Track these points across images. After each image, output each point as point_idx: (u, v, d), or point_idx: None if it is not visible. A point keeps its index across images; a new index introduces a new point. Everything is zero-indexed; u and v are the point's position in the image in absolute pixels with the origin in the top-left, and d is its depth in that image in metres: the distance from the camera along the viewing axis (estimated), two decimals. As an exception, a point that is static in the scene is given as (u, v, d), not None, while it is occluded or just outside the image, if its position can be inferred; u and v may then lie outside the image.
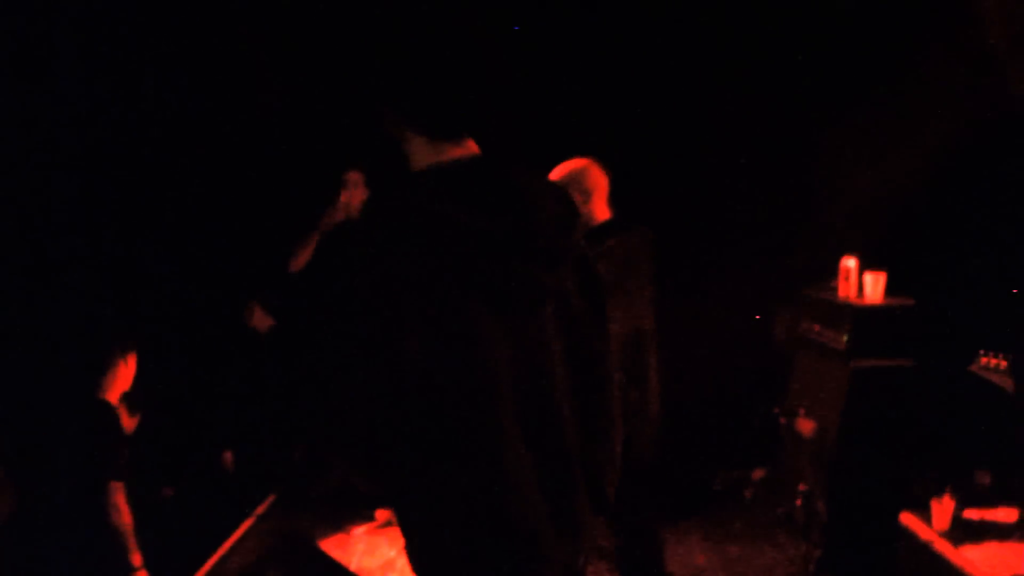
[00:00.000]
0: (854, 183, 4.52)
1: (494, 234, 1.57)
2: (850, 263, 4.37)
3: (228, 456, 5.07)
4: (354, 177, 5.23)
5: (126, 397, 3.89)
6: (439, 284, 1.52)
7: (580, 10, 4.98)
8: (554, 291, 1.67)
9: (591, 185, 3.36)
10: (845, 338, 4.23)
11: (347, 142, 5.37)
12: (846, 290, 4.38)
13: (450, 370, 1.52)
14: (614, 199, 3.44)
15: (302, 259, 4.98)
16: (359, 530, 4.69)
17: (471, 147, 1.70)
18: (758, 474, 5.06)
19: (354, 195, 5.28)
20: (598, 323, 1.82)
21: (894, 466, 4.11)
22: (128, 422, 3.86)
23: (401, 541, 1.65)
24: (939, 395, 4.11)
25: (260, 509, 4.80)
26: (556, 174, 3.41)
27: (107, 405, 3.77)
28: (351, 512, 4.63)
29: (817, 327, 4.51)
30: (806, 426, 4.35)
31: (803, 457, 4.38)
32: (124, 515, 3.55)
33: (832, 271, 4.68)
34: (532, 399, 1.62)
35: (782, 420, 4.42)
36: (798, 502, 4.15)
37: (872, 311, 4.25)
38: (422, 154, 1.68)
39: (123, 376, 3.85)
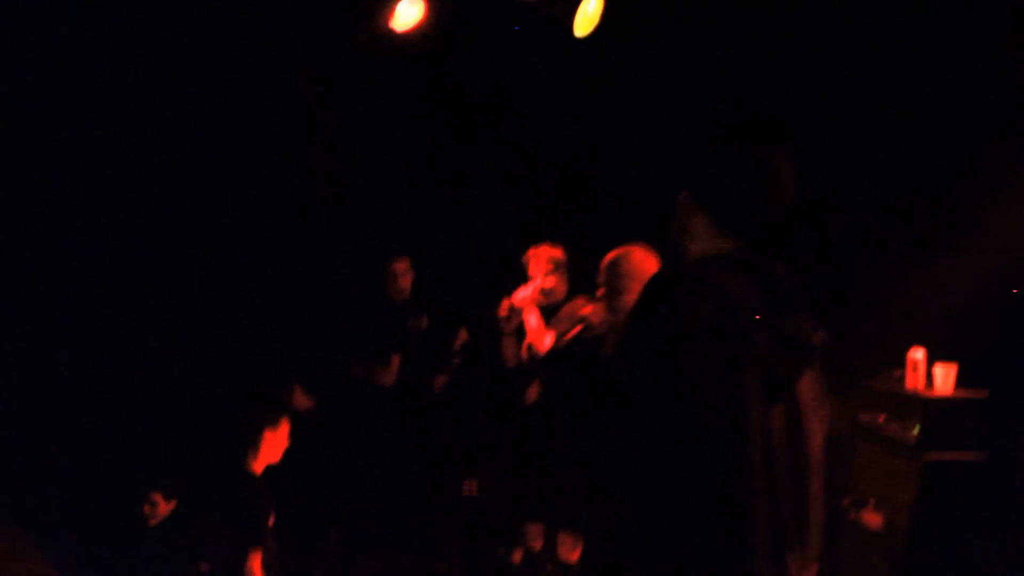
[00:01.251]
0: (926, 274, 4.51)
1: (768, 312, 1.88)
2: (918, 354, 4.34)
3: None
4: (402, 267, 5.32)
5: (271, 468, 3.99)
6: (723, 345, 1.84)
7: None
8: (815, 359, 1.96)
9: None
10: (916, 430, 4.18)
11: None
12: (914, 381, 4.34)
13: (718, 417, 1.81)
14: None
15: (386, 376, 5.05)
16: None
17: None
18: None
19: (405, 279, 5.34)
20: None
21: (968, 561, 4.01)
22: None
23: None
24: (1016, 488, 4.04)
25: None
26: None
27: (254, 477, 3.92)
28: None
29: (882, 418, 4.46)
30: (874, 519, 4.26)
31: (870, 552, 4.27)
32: None
33: (889, 362, 4.65)
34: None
35: (850, 515, 4.33)
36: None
37: (944, 403, 4.20)
38: (705, 236, 2.03)
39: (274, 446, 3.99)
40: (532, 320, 4.43)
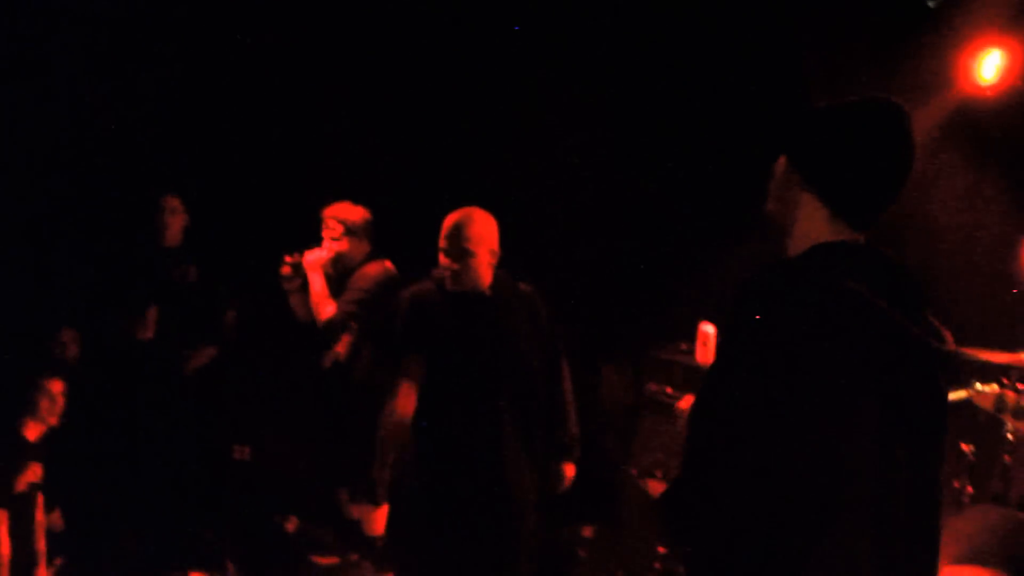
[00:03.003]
0: (724, 252, 4.59)
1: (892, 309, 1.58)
2: (709, 328, 4.41)
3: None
4: (172, 203, 4.76)
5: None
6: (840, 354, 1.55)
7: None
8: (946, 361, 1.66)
9: None
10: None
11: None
12: (704, 356, 4.41)
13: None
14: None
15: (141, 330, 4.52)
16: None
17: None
18: (588, 531, 4.98)
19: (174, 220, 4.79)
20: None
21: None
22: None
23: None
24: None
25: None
26: None
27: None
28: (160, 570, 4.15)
29: (669, 389, 4.51)
30: (659, 489, 4.31)
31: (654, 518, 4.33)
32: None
33: (674, 335, 4.74)
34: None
35: (640, 481, 4.36)
36: (657, 565, 4.08)
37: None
38: (815, 223, 1.68)
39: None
40: (316, 284, 4.13)
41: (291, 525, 4.52)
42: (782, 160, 1.73)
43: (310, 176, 4.96)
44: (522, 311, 3.42)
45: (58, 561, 4.03)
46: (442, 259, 3.30)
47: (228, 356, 4.75)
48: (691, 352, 4.52)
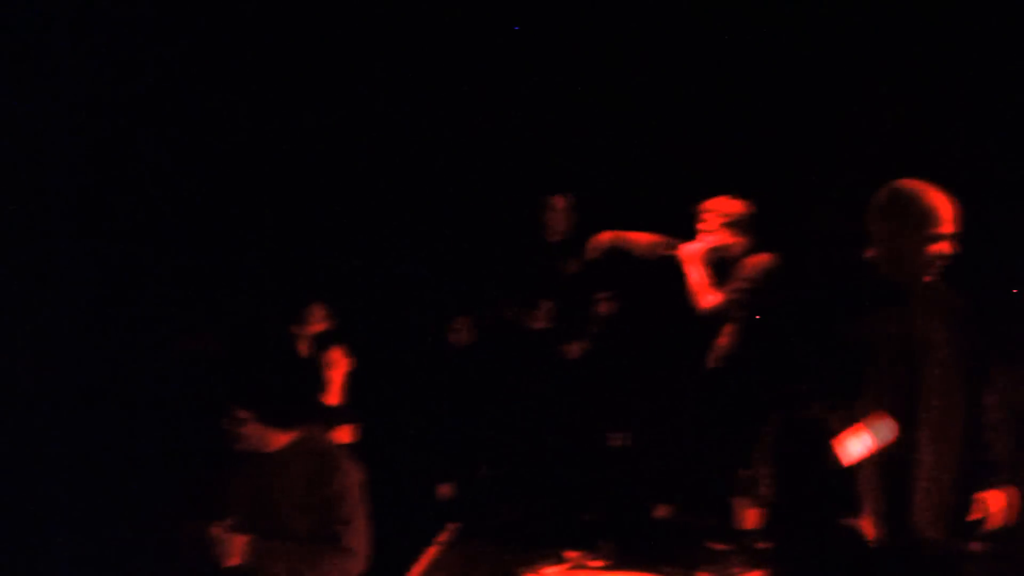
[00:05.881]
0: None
1: None
2: None
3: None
4: (562, 203, 5.02)
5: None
6: None
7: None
8: None
9: None
10: None
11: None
12: None
13: None
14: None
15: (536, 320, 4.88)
16: (550, 571, 4.36)
17: None
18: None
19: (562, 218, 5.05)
20: None
21: None
22: None
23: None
24: None
25: (442, 536, 4.49)
26: None
27: None
28: (534, 548, 4.30)
29: None
30: None
31: None
32: None
33: None
34: None
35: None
36: None
37: None
38: None
39: None
40: (693, 276, 4.22)
41: (664, 511, 4.52)
42: None
43: (684, 171, 5.00)
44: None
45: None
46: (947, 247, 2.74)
47: (605, 346, 4.88)
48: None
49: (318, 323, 4.21)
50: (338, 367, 3.87)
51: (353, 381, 4.06)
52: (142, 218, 4.90)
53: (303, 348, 4.09)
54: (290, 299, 4.26)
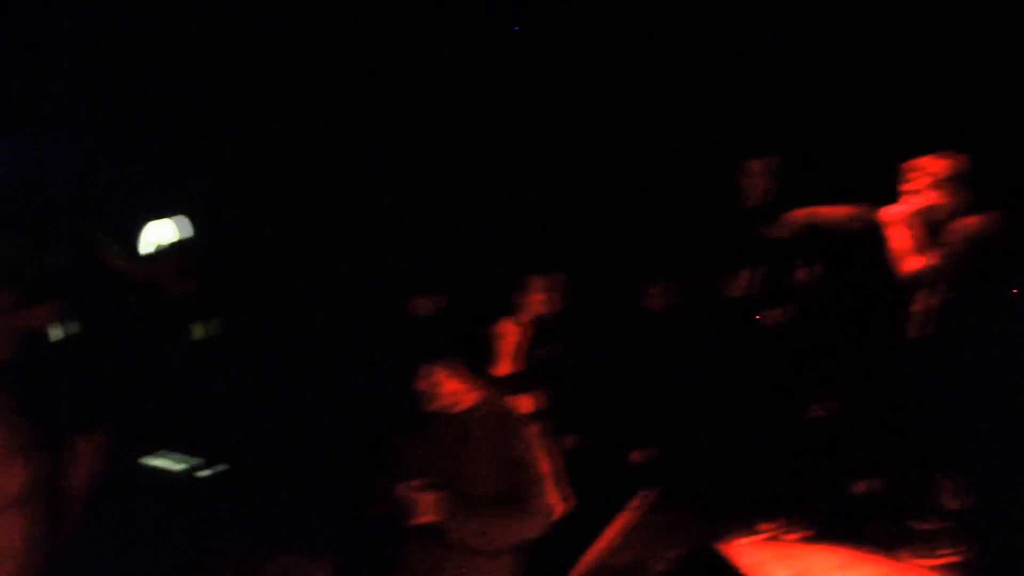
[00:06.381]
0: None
1: None
2: None
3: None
4: (760, 167, 4.87)
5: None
6: None
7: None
8: None
9: None
10: None
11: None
12: None
13: None
14: None
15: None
16: (743, 542, 4.34)
17: None
18: None
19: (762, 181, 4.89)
20: None
21: None
22: None
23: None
24: None
25: (635, 503, 4.55)
26: None
27: None
28: (727, 518, 4.27)
29: None
30: None
31: None
32: None
33: None
34: None
35: None
36: None
37: None
38: None
39: None
40: (897, 240, 3.97)
41: (864, 486, 4.34)
42: None
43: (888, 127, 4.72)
44: None
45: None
46: None
47: (805, 314, 4.72)
48: None
49: (538, 293, 4.37)
50: (508, 337, 4.01)
51: (554, 349, 4.18)
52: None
53: (520, 316, 4.28)
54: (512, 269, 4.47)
